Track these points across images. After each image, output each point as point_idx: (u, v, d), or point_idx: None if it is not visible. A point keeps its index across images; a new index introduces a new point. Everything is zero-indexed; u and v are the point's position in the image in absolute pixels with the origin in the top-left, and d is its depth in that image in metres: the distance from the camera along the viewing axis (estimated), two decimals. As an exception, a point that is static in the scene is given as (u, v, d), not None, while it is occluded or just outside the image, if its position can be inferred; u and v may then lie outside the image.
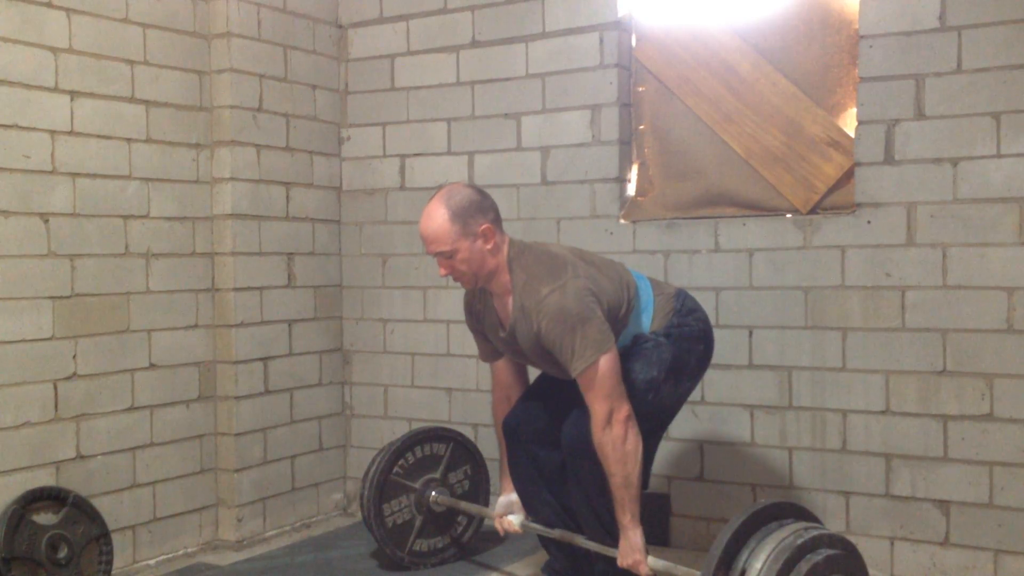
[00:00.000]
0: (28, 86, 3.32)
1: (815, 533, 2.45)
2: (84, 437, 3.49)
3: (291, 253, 4.23)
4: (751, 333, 3.65)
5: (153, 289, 3.74)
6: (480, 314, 3.08)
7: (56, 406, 3.41)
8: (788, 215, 3.62)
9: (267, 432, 4.11)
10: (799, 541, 2.40)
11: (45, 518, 3.28)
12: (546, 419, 3.07)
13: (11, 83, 3.28)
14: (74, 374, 3.47)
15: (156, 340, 3.75)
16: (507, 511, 3.22)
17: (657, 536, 3.72)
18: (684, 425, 3.73)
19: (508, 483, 3.22)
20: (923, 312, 3.36)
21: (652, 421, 2.97)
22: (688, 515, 3.78)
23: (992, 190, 3.25)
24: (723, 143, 3.77)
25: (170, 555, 3.81)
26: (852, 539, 3.46)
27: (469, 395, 4.25)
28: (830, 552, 2.42)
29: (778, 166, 3.67)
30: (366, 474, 3.58)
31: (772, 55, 3.69)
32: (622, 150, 3.91)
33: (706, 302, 3.67)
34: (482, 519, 3.72)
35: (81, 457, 3.49)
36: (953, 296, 3.32)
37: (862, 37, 3.45)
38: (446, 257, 2.84)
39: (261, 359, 4.08)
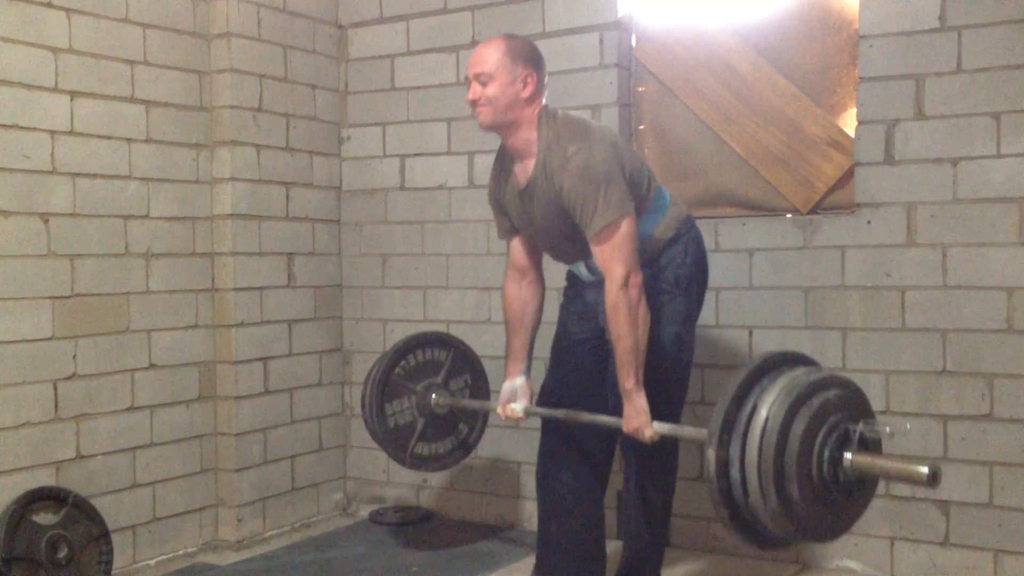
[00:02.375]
0: (28, 86, 3.33)
1: (827, 374, 2.43)
2: (84, 437, 3.49)
3: (291, 253, 4.23)
4: (751, 333, 3.65)
5: (153, 289, 3.74)
6: (500, 179, 3.09)
7: (56, 406, 3.41)
8: (788, 215, 3.62)
9: (267, 432, 4.11)
10: (812, 378, 2.38)
11: (45, 518, 3.28)
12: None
13: (11, 83, 3.28)
14: (74, 374, 3.47)
15: (156, 340, 3.75)
16: (511, 398, 3.17)
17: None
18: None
19: (513, 368, 3.18)
20: (923, 312, 3.36)
21: (683, 382, 3.04)
22: (688, 515, 3.78)
23: (992, 190, 3.25)
24: (723, 143, 3.77)
25: (170, 555, 3.81)
26: (852, 539, 3.49)
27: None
28: (841, 391, 2.39)
29: (778, 166, 3.67)
30: (368, 376, 3.53)
31: (772, 55, 3.69)
32: (622, 150, 3.90)
33: (707, 302, 3.67)
34: (486, 421, 3.66)
35: (81, 457, 3.49)
36: (953, 296, 3.32)
37: (862, 37, 3.45)
38: (481, 83, 2.86)
39: (261, 359, 4.07)
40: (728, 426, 2.35)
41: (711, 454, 2.34)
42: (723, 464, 2.34)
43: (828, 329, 3.51)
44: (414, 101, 4.34)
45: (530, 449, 4.06)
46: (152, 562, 3.74)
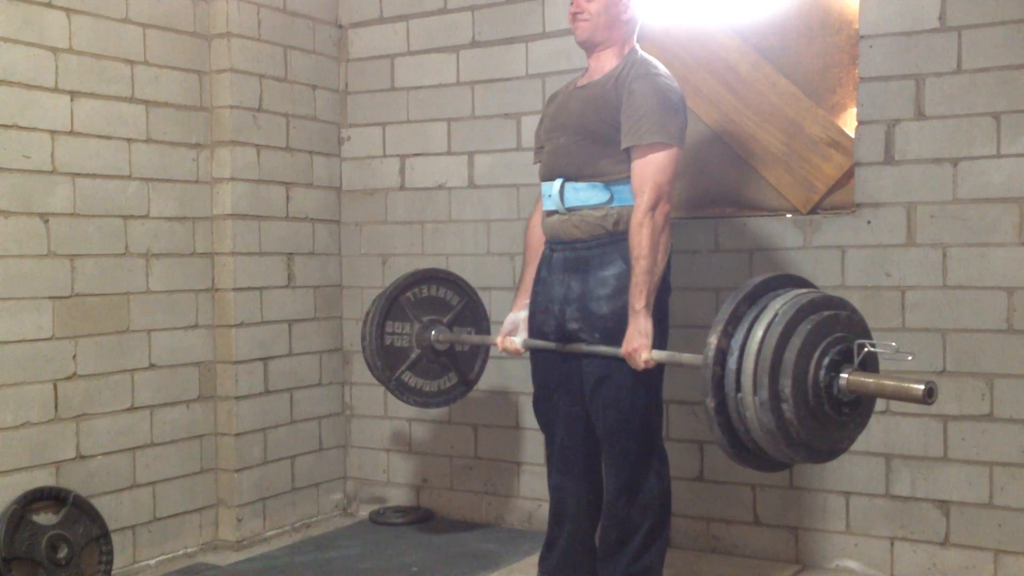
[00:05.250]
0: (28, 86, 3.33)
1: (842, 299, 2.43)
2: (84, 437, 3.49)
3: (291, 253, 4.23)
4: (751, 333, 3.64)
5: (153, 289, 3.74)
6: (555, 96, 3.17)
7: (56, 406, 3.41)
8: (788, 215, 3.62)
9: (267, 432, 4.11)
10: (826, 296, 2.39)
11: (45, 518, 3.28)
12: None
13: (11, 83, 3.28)
14: (74, 374, 3.47)
15: (156, 340, 3.75)
16: (512, 331, 3.18)
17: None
18: (684, 425, 3.73)
19: (520, 300, 3.19)
20: (923, 312, 3.36)
21: (658, 423, 3.01)
22: (688, 515, 3.78)
23: (992, 190, 3.25)
24: (723, 143, 3.77)
25: (170, 555, 3.81)
26: (852, 539, 3.49)
27: (470, 395, 4.24)
28: (853, 315, 2.39)
29: (778, 166, 3.67)
30: (381, 292, 3.56)
31: (772, 55, 3.68)
32: (622, 150, 3.90)
33: (706, 302, 3.68)
34: (486, 361, 3.67)
35: (81, 457, 3.49)
36: (953, 296, 3.32)
37: (862, 37, 3.45)
38: None
39: (261, 359, 4.08)
40: (736, 318, 2.35)
41: (713, 340, 2.33)
42: (722, 352, 2.33)
43: (828, 329, 3.51)
44: (414, 101, 4.34)
45: (531, 450, 4.07)
46: (152, 562, 3.74)
